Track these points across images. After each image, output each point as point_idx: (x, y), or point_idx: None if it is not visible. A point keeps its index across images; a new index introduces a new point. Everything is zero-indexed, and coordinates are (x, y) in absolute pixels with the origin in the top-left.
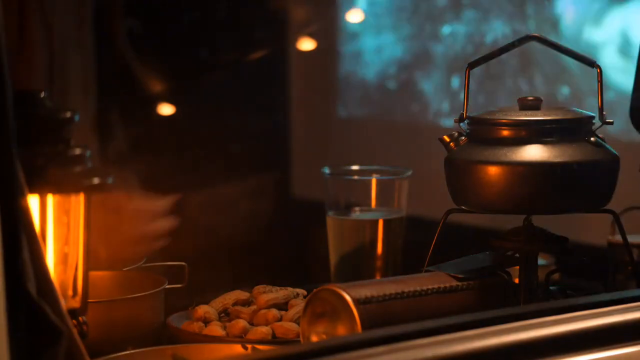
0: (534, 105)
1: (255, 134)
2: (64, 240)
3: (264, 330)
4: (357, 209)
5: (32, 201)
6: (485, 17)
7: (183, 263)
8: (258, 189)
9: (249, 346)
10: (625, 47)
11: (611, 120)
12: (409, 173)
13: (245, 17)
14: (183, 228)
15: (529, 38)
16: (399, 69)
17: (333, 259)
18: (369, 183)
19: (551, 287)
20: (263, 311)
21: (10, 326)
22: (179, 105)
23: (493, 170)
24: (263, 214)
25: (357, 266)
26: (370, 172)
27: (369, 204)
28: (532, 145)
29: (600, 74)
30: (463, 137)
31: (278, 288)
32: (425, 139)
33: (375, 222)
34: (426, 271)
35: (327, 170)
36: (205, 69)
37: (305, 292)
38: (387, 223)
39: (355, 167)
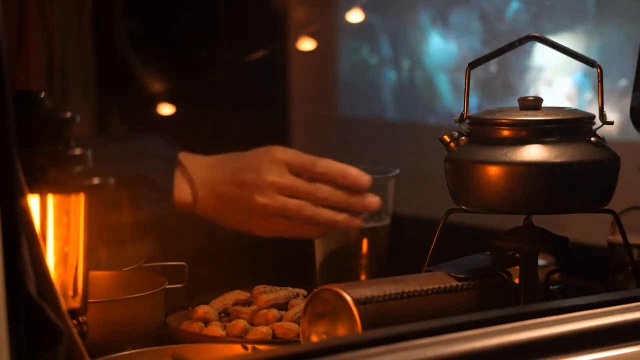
0: (534, 105)
1: (255, 134)
2: (64, 240)
3: (264, 330)
4: None
5: (32, 201)
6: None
7: (183, 263)
8: None
9: (249, 346)
10: None
11: (611, 120)
12: (396, 172)
13: (245, 17)
14: (183, 228)
15: (529, 38)
16: (399, 68)
17: (319, 261)
18: None
19: (551, 287)
20: (263, 311)
21: (10, 326)
22: (179, 105)
23: (493, 170)
24: None
25: (342, 270)
26: None
27: None
28: (532, 145)
29: (601, 74)
30: (463, 137)
31: (278, 288)
32: (425, 139)
33: (360, 230)
34: (426, 271)
35: None
36: (206, 69)
37: (305, 292)
38: (372, 231)
39: None
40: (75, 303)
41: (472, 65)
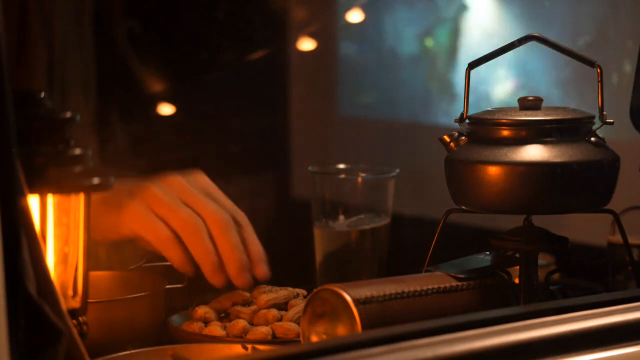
0: (534, 105)
1: (255, 134)
2: (64, 240)
3: (264, 330)
4: (342, 216)
5: (32, 201)
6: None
7: None
8: (258, 189)
9: (249, 346)
10: None
11: (611, 120)
12: (395, 172)
13: (245, 17)
14: None
15: (529, 38)
16: (399, 67)
17: (318, 261)
18: (355, 182)
19: (551, 287)
20: (263, 311)
21: (10, 326)
22: (179, 105)
23: (493, 170)
24: (263, 214)
25: (342, 270)
26: (356, 171)
27: (355, 203)
28: (532, 145)
29: (601, 74)
30: (463, 137)
31: (278, 288)
32: (425, 139)
33: (360, 231)
34: (426, 271)
35: (312, 169)
36: (205, 69)
37: (305, 292)
38: (372, 232)
39: (341, 166)
40: (75, 303)
41: (472, 65)
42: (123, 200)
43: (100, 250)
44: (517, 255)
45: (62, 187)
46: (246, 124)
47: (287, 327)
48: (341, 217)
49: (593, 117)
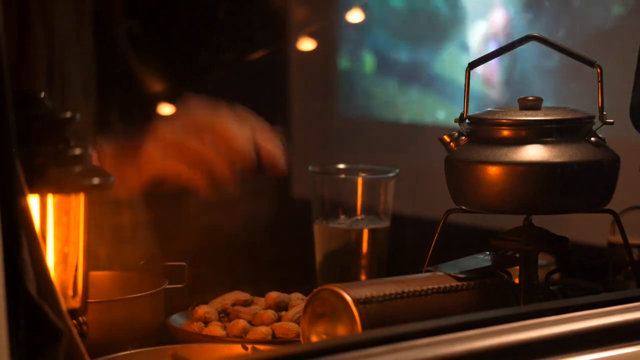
0: (534, 105)
1: None
2: (64, 240)
3: (264, 330)
4: (342, 216)
5: (32, 201)
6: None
7: (183, 263)
8: (258, 189)
9: (249, 346)
10: None
11: (611, 120)
12: (395, 172)
13: (245, 17)
14: (183, 228)
15: (529, 38)
16: (399, 67)
17: (318, 261)
18: (355, 182)
19: (551, 287)
20: (263, 311)
21: (10, 326)
22: (179, 105)
23: (493, 170)
24: (263, 214)
25: (342, 270)
26: (356, 171)
27: (355, 203)
28: (532, 145)
29: (601, 74)
30: (463, 137)
31: (287, 295)
32: (425, 139)
33: (360, 231)
34: (426, 271)
35: (312, 169)
36: (205, 69)
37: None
38: (372, 232)
39: (341, 166)
40: (75, 303)
41: (472, 65)
42: (140, 144)
43: (100, 250)
44: (517, 255)
45: (62, 187)
46: None
47: (287, 327)
48: (341, 217)
49: (593, 117)
